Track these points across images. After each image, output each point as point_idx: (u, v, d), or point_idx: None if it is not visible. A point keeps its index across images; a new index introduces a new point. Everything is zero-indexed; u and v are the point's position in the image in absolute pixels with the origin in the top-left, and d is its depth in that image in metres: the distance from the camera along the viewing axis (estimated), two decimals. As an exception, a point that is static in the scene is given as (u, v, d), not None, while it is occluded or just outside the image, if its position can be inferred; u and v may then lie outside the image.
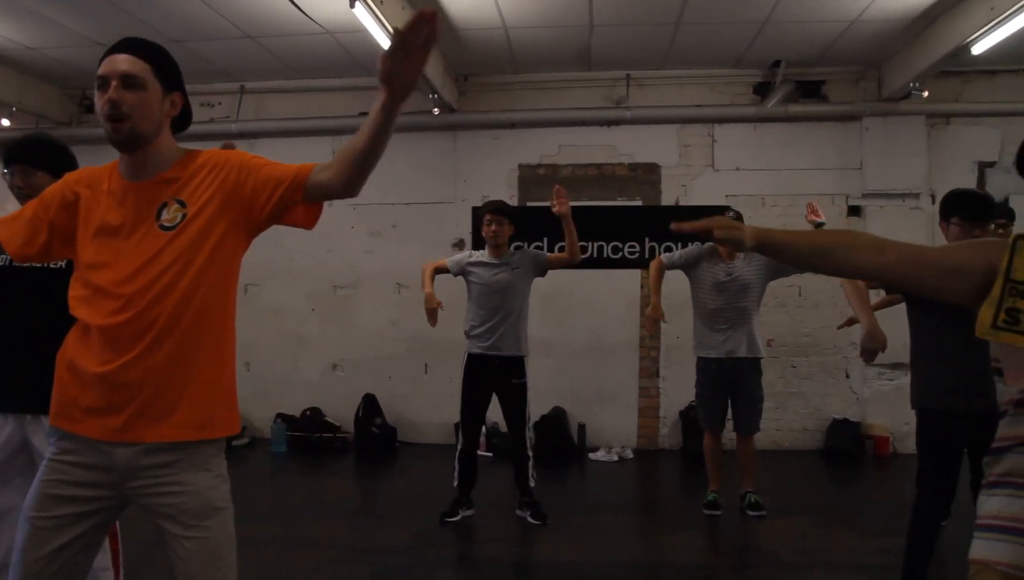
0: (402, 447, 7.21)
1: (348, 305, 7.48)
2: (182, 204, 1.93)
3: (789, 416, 7.17)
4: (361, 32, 5.48)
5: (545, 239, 7.18)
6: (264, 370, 7.56)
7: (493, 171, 7.34)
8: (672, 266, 5.38)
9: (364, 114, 7.18)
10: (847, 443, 6.84)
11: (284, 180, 1.95)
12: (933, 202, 7.08)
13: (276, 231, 6.94)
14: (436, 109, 6.83)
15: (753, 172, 7.17)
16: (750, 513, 5.09)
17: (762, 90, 7.10)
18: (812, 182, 7.15)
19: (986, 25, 5.26)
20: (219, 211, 1.93)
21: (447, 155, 7.38)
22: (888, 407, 6.96)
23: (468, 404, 5.00)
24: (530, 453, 5.04)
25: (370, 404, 7.21)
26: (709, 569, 4.32)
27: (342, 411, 7.27)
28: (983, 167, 7.11)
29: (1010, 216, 4.95)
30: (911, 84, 6.46)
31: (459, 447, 5.05)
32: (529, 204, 7.34)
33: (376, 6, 4.87)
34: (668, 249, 6.88)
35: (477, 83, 7.32)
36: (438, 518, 4.87)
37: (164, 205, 1.92)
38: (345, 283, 7.48)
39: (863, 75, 7.09)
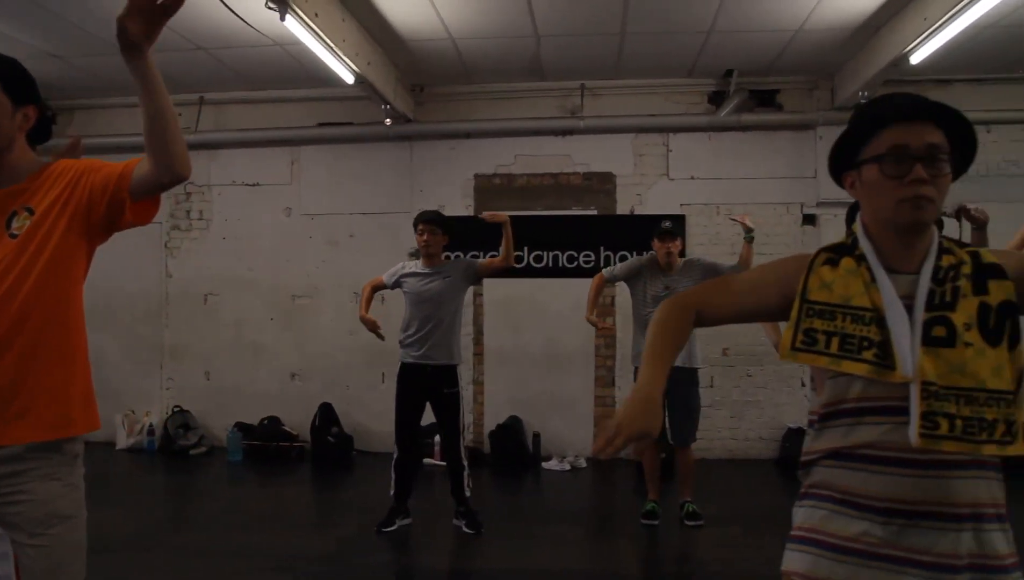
0: (358, 456, 7.22)
1: (306, 315, 7.51)
2: (30, 211, 1.96)
3: (745, 425, 7.17)
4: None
5: (500, 249, 7.20)
6: (223, 379, 7.60)
7: (449, 181, 7.37)
8: (613, 279, 5.42)
9: (323, 125, 7.34)
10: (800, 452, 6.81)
11: (112, 178, 1.97)
12: (888, 210, 7.10)
13: (234, 241, 7.04)
14: (388, 120, 6.86)
15: (708, 181, 7.19)
16: (687, 523, 5.09)
17: (716, 99, 7.13)
18: (767, 191, 7.17)
19: (921, 35, 5.28)
20: (61, 215, 1.96)
21: (403, 165, 7.42)
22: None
23: (401, 414, 5.03)
24: (464, 463, 5.05)
25: (326, 413, 7.23)
26: (635, 579, 4.33)
27: (300, 420, 7.29)
28: (937, 175, 7.10)
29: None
30: (860, 93, 6.47)
31: (395, 457, 5.07)
32: (485, 214, 7.36)
33: (311, 19, 4.91)
34: (623, 257, 6.95)
35: (433, 93, 7.36)
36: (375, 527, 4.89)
37: (14, 213, 1.96)
38: (303, 293, 7.52)
39: (817, 84, 7.11)
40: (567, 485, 6.47)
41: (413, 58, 6.57)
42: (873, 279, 1.65)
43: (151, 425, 7.34)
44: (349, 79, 5.91)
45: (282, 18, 4.70)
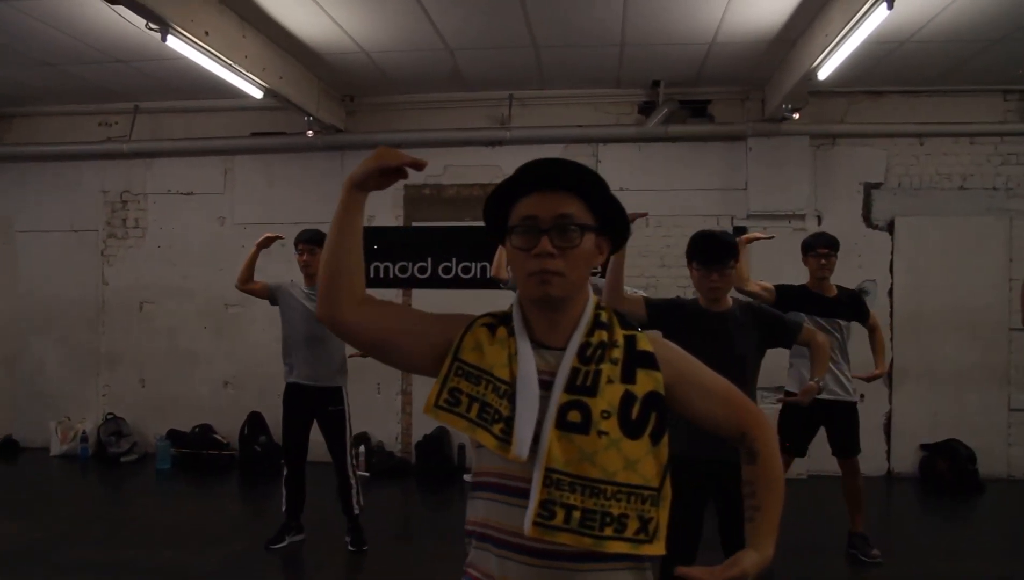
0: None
1: (239, 323, 7.54)
2: None
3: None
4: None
5: (429, 259, 7.22)
6: (158, 387, 7.65)
7: (378, 191, 7.30)
8: (509, 288, 5.39)
9: (256, 134, 7.35)
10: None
11: None
12: (819, 224, 7.01)
13: (170, 249, 7.07)
14: (311, 132, 6.86)
15: (638, 192, 7.10)
16: None
17: (646, 109, 7.06)
18: (698, 203, 7.10)
19: (824, 50, 5.20)
20: None
21: (335, 175, 7.41)
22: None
23: (288, 432, 5.05)
24: (353, 480, 5.04)
25: (256, 422, 7.26)
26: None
27: (232, 428, 7.33)
28: (869, 188, 7.01)
29: (833, 246, 4.91)
30: (783, 106, 6.39)
31: (284, 474, 5.08)
32: (415, 224, 7.37)
33: (200, 38, 4.90)
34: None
35: (364, 104, 7.35)
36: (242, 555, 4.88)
37: None
38: (236, 302, 7.51)
39: (748, 95, 7.02)
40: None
41: (335, 70, 6.56)
42: (517, 351, 1.58)
43: (84, 432, 7.41)
44: (257, 93, 5.91)
45: (163, 38, 4.70)
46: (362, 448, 7.01)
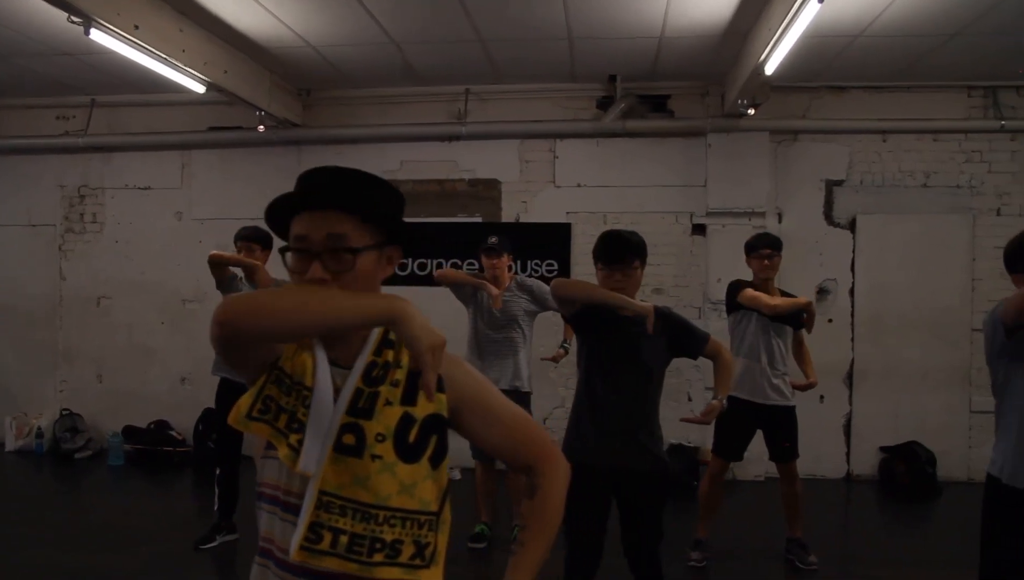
0: (243, 461, 7.19)
1: (196, 319, 7.47)
2: None
3: (629, 438, 7.01)
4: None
5: (385, 255, 7.12)
6: (115, 382, 7.62)
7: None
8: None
9: (213, 129, 7.27)
10: (680, 467, 6.66)
11: None
12: (779, 222, 6.90)
13: (127, 244, 7.01)
14: (262, 127, 6.78)
15: (595, 188, 7.02)
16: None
17: (605, 104, 6.94)
18: (656, 199, 6.99)
19: (768, 44, 5.08)
20: None
21: (291, 170, 7.25)
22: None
23: (222, 430, 4.99)
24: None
25: (210, 418, 7.20)
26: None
27: (189, 424, 7.28)
28: (831, 185, 6.88)
29: (776, 246, 4.80)
30: (739, 101, 6.26)
31: (217, 473, 5.03)
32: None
33: (129, 32, 4.82)
34: (508, 268, 6.80)
35: (320, 98, 7.27)
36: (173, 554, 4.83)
37: None
38: (193, 297, 7.48)
39: (708, 90, 6.89)
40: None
41: (286, 65, 6.48)
42: (316, 362, 1.50)
43: (39, 428, 7.38)
44: (199, 88, 5.84)
45: (87, 32, 4.63)
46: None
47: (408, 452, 1.43)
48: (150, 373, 7.58)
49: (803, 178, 6.88)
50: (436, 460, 1.45)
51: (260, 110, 6.60)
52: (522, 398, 5.00)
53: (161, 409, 7.44)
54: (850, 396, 6.90)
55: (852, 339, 6.87)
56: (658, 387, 3.31)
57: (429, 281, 7.05)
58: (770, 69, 5.34)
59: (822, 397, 6.90)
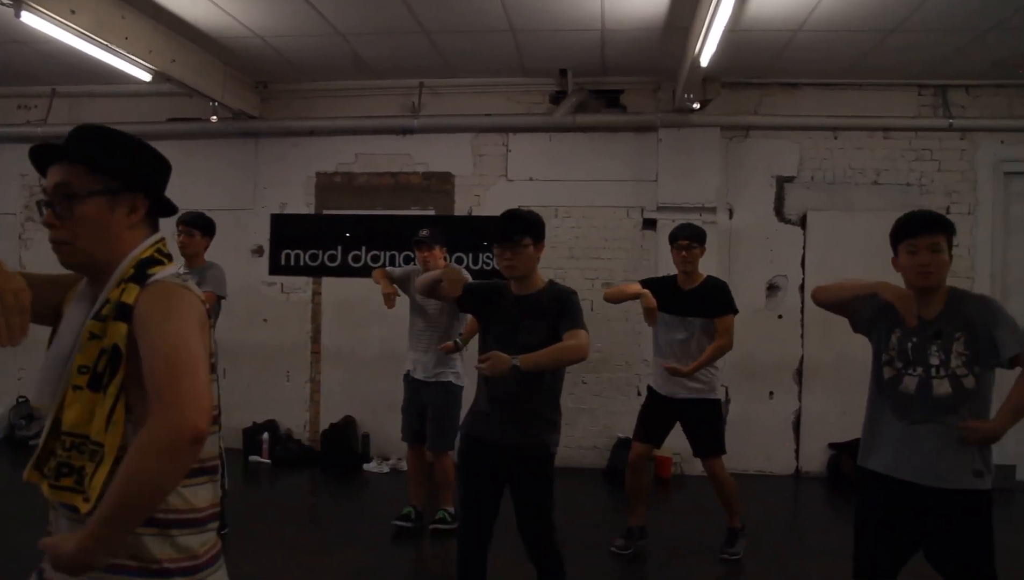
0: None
1: (153, 309, 7.52)
2: None
3: (578, 434, 7.02)
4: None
5: (339, 247, 7.20)
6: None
7: (292, 178, 7.33)
8: (392, 279, 5.33)
9: (172, 120, 7.32)
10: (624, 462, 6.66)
11: None
12: (730, 217, 6.91)
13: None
14: (214, 117, 6.83)
15: (547, 182, 7.04)
16: (438, 526, 5.06)
17: (558, 99, 6.97)
18: (607, 194, 7.01)
19: (700, 37, 5.10)
20: None
21: (248, 162, 7.39)
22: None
23: None
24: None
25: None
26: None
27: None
28: (782, 181, 6.89)
29: (695, 237, 4.75)
30: (686, 96, 6.29)
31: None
32: (326, 212, 7.33)
33: (64, 16, 4.87)
34: (459, 260, 6.86)
35: (277, 90, 7.32)
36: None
37: None
38: (150, 287, 7.52)
39: (659, 85, 6.91)
40: (372, 488, 6.43)
41: (238, 56, 6.53)
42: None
43: (-5, 415, 7.45)
44: (144, 76, 5.89)
45: (17, 15, 4.67)
46: (265, 435, 6.98)
47: (95, 382, 1.49)
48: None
49: (754, 174, 6.89)
50: (107, 389, 1.49)
51: (213, 101, 6.65)
52: (442, 389, 5.01)
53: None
54: (800, 393, 6.89)
55: (802, 336, 6.86)
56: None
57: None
58: (704, 61, 5.35)
59: (772, 393, 6.92)
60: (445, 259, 5.22)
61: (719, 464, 4.74)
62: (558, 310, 3.20)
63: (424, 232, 5.08)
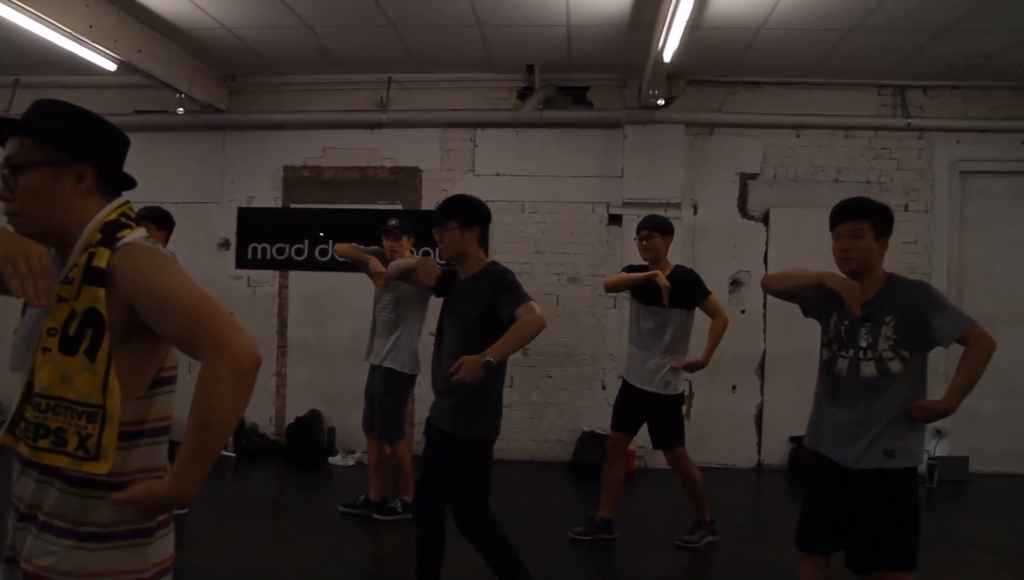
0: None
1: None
2: None
3: (544, 427, 7.08)
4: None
5: (306, 241, 7.19)
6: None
7: (259, 172, 7.32)
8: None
9: (139, 112, 7.27)
10: (593, 456, 6.71)
11: None
12: (695, 213, 7.01)
13: None
14: (181, 109, 6.81)
15: (514, 178, 7.10)
16: (384, 517, 5.14)
17: (526, 95, 7.03)
18: (574, 190, 7.08)
19: (663, 33, 5.18)
20: None
21: (215, 155, 7.37)
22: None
23: None
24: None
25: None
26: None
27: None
28: (745, 178, 7.00)
29: (655, 227, 4.80)
30: (650, 92, 6.37)
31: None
32: (293, 206, 7.32)
33: (24, 2, 4.84)
34: (426, 253, 6.88)
35: (246, 84, 7.30)
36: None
37: None
38: (115, 280, 7.46)
39: (625, 82, 6.99)
40: (337, 480, 6.44)
41: (206, 48, 6.51)
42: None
43: (-45, 408, 7.34)
44: (109, 66, 5.86)
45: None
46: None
47: (67, 344, 1.52)
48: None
49: (718, 171, 6.99)
50: (91, 353, 1.51)
51: (180, 93, 6.63)
52: (392, 377, 5.02)
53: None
54: (762, 387, 7.00)
55: (764, 331, 6.97)
56: (474, 351, 3.08)
57: (350, 266, 7.09)
58: (667, 57, 5.43)
59: (734, 387, 7.02)
60: (412, 251, 5.25)
61: (682, 455, 4.80)
62: (494, 291, 3.23)
63: (393, 221, 5.13)
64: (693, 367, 4.76)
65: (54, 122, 1.62)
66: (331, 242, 7.17)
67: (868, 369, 2.80)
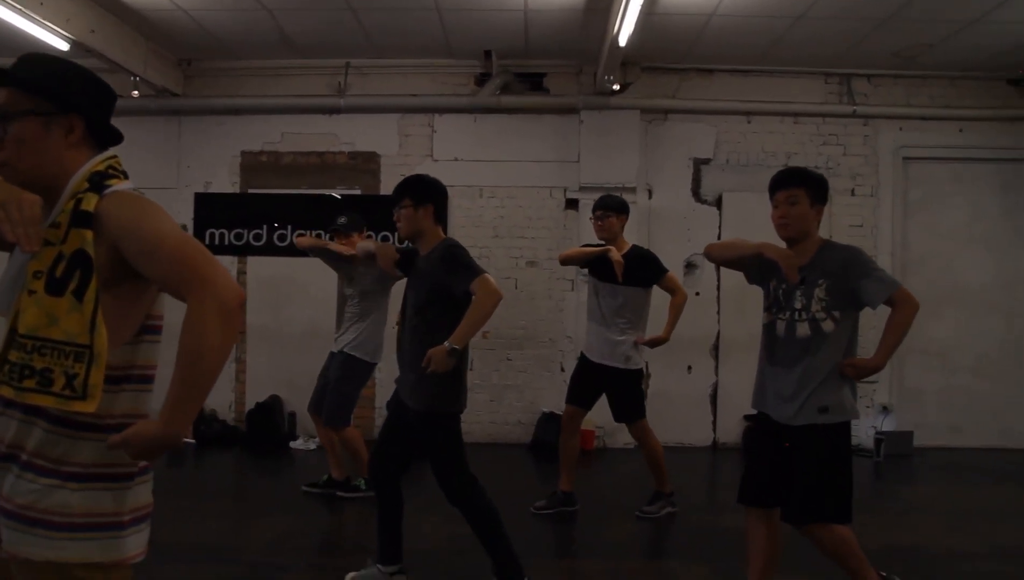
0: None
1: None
2: None
3: (504, 409, 7.17)
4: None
5: (264, 226, 7.17)
6: None
7: (216, 157, 7.27)
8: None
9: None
10: (553, 436, 6.77)
11: None
12: (649, 198, 7.15)
13: None
14: (135, 92, 6.73)
15: (472, 163, 7.17)
16: (340, 494, 5.22)
17: (483, 81, 7.10)
18: (532, 174, 7.17)
19: (618, 17, 5.30)
20: None
21: (170, 140, 7.30)
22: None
23: None
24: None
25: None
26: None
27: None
28: (698, 163, 7.17)
29: (608, 207, 4.84)
30: (606, 77, 6.49)
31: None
32: (251, 191, 7.29)
33: None
34: (384, 238, 6.91)
35: (201, 68, 7.25)
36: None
37: None
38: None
39: (581, 69, 7.11)
40: (299, 463, 6.44)
41: (160, 30, 6.45)
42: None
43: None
44: (62, 46, 5.78)
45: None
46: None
47: (54, 286, 1.53)
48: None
49: (672, 156, 7.15)
50: (79, 293, 1.53)
51: (135, 76, 6.56)
52: (351, 363, 5.06)
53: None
54: (716, 367, 7.17)
55: (718, 312, 7.15)
56: (431, 325, 3.27)
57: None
58: (623, 41, 5.56)
59: (690, 368, 7.18)
60: (370, 238, 5.29)
61: (643, 427, 4.91)
62: (444, 268, 3.31)
63: (342, 219, 5.17)
64: (654, 343, 4.85)
65: (45, 73, 1.63)
66: (290, 227, 7.15)
67: (803, 329, 2.94)
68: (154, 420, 1.52)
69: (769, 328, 3.07)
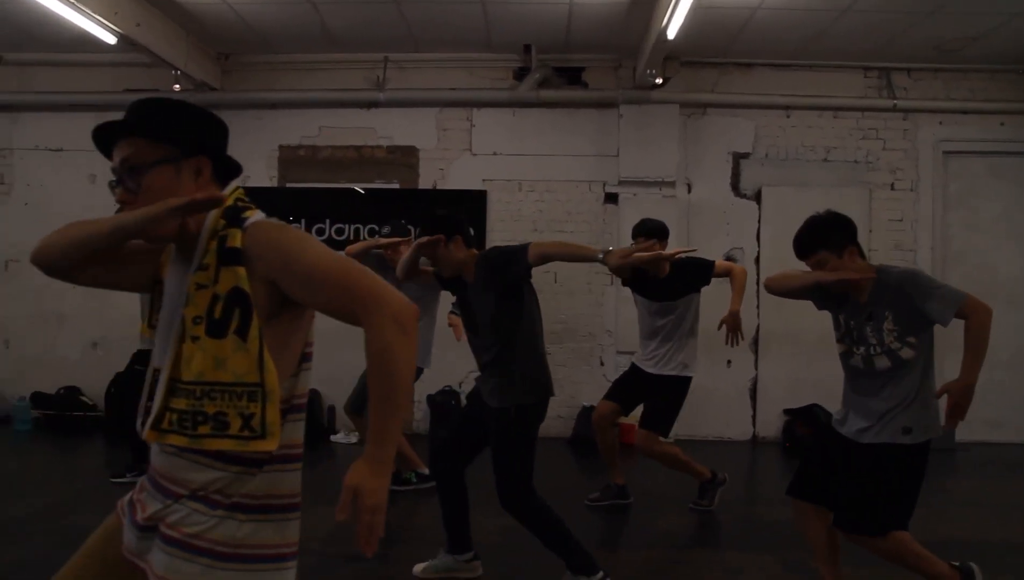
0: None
1: (108, 283, 7.36)
2: None
3: (543, 403, 7.14)
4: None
5: (303, 220, 7.18)
6: (24, 348, 7.46)
7: (254, 152, 7.25)
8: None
9: (129, 91, 7.16)
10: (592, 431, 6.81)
11: None
12: (689, 192, 7.14)
13: (37, 207, 6.77)
14: (177, 86, 6.74)
15: (511, 157, 7.16)
16: (392, 487, 5.10)
17: (522, 75, 7.10)
18: (571, 168, 7.16)
19: (668, 9, 5.28)
20: None
21: (209, 134, 7.29)
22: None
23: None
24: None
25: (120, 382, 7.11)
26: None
27: (100, 390, 7.15)
28: (737, 158, 7.16)
29: (654, 234, 4.62)
30: (648, 71, 6.48)
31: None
32: (288, 185, 7.30)
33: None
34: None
35: (239, 62, 7.26)
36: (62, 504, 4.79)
37: None
38: (105, 261, 7.36)
39: (620, 63, 7.10)
40: (341, 457, 6.46)
41: (203, 24, 6.46)
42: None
43: (-58, 393, 7.19)
44: (110, 39, 5.79)
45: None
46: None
47: (215, 328, 1.52)
48: (60, 338, 7.44)
49: (711, 150, 7.13)
50: (242, 332, 1.51)
51: (176, 69, 6.57)
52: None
53: (71, 375, 7.31)
54: (756, 361, 7.16)
55: (758, 306, 7.13)
56: (499, 332, 3.40)
57: (346, 246, 7.12)
58: (672, 34, 5.54)
59: (729, 362, 7.16)
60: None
61: (656, 440, 4.77)
62: (496, 273, 3.43)
63: (386, 229, 5.11)
64: (733, 317, 4.69)
65: (168, 119, 1.62)
66: (328, 221, 7.16)
67: (882, 362, 2.98)
68: (357, 463, 1.51)
69: (846, 358, 3.12)
